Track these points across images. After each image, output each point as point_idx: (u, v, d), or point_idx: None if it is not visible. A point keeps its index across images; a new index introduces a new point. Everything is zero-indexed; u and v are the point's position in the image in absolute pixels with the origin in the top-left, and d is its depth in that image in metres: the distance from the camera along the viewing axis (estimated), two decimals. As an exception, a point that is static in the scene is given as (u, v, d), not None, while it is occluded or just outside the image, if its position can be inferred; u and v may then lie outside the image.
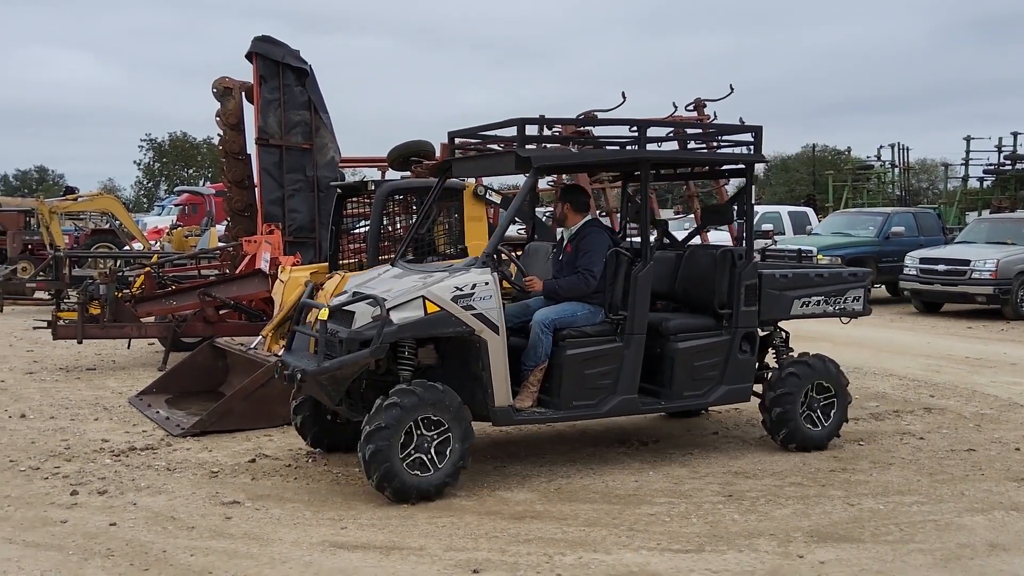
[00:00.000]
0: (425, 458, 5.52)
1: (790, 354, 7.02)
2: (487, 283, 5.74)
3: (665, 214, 13.30)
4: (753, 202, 6.90)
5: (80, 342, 10.21)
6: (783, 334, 7.11)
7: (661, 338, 6.39)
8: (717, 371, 6.50)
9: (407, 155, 10.51)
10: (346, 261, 9.05)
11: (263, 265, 10.38)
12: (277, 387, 7.41)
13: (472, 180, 10.02)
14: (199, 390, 8.55)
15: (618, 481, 6.00)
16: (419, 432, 5.50)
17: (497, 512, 5.42)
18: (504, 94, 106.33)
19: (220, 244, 15.68)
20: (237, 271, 11.06)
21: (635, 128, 6.50)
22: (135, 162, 74.98)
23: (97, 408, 8.25)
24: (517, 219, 8.44)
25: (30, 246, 22.14)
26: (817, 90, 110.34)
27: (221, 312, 10.32)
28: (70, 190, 30.22)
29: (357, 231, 10.02)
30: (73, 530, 5.08)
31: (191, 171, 71.19)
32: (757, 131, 6.76)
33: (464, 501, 5.62)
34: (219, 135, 12.13)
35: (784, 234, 20.07)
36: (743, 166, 6.96)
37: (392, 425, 5.39)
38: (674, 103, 11.41)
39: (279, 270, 9.48)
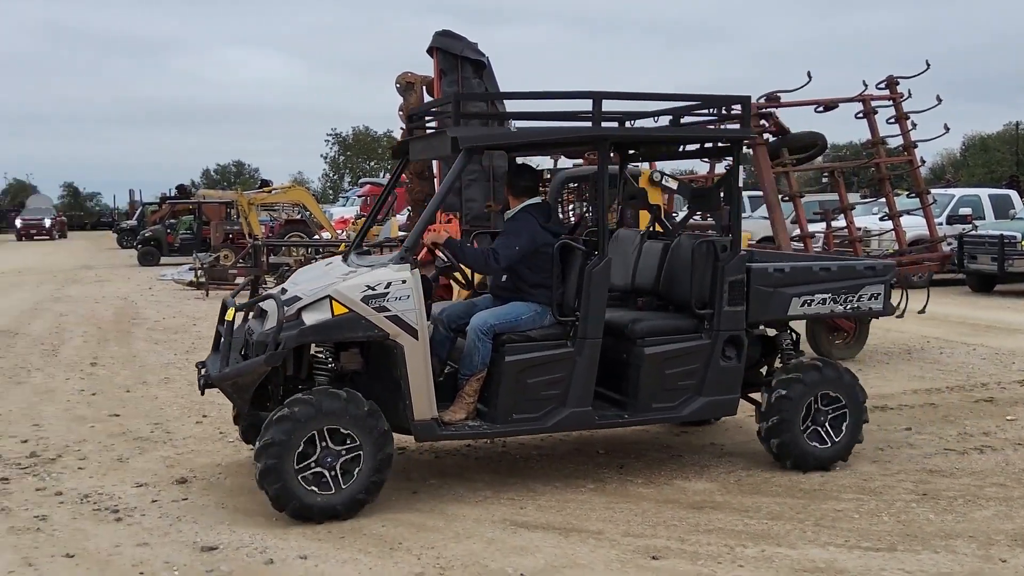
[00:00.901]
0: (328, 475, 4.96)
1: (799, 359, 6.09)
2: (404, 281, 5.10)
3: (852, 198, 12.63)
4: (741, 184, 5.88)
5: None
6: (793, 336, 6.25)
7: (627, 342, 5.72)
8: (694, 380, 5.70)
9: (582, 143, 10.56)
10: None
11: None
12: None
13: (646, 165, 9.96)
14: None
15: (802, 475, 5.81)
16: (324, 445, 4.95)
17: (675, 500, 5.39)
18: (676, 78, 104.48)
19: (400, 233, 16.32)
20: (420, 258, 11.45)
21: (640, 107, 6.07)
22: (322, 156, 79.27)
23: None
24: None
25: (231, 235, 23.87)
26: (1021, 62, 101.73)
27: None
28: (265, 183, 32.29)
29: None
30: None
31: (372, 163, 74.27)
32: (744, 102, 5.90)
33: (642, 488, 5.61)
34: (401, 128, 12.60)
35: (984, 219, 18.68)
36: (728, 144, 6.08)
37: (282, 441, 4.85)
38: (864, 81, 10.90)
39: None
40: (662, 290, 6.11)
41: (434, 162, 12.08)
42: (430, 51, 11.46)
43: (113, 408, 7.83)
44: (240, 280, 17.67)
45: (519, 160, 6.53)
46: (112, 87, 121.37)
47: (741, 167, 5.90)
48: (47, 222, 45.83)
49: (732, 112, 6.22)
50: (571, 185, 9.20)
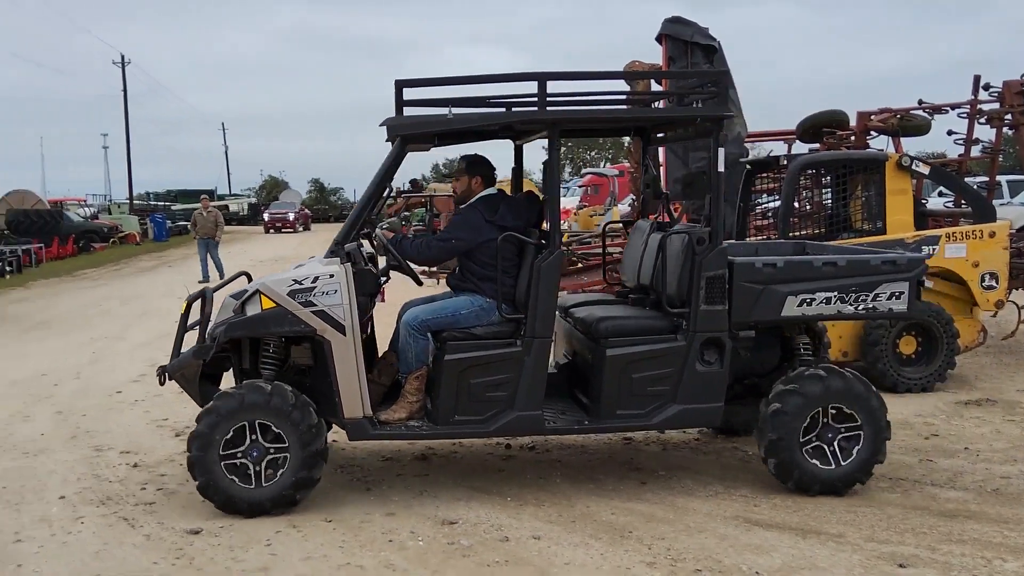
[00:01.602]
0: (252, 469, 4.94)
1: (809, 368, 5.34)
2: (332, 276, 5.03)
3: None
4: (722, 169, 5.25)
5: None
6: (807, 337, 5.60)
7: (593, 342, 5.36)
8: (667, 386, 5.22)
9: (819, 126, 10.06)
10: (751, 240, 8.94)
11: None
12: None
13: (893, 149, 9.34)
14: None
15: (1073, 488, 5.27)
16: (252, 439, 4.94)
17: (924, 508, 5.05)
18: (927, 52, 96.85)
19: (621, 221, 16.31)
20: (644, 248, 11.41)
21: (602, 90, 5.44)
22: (543, 147, 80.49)
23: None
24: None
25: (460, 226, 24.87)
26: None
27: (629, 288, 10.76)
28: (492, 175, 33.31)
29: (761, 207, 9.86)
30: (508, 478, 5.64)
31: (593, 153, 74.72)
32: (717, 78, 5.41)
33: (887, 493, 5.30)
34: (628, 117, 12.56)
35: None
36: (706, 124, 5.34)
37: (206, 433, 4.89)
38: None
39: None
40: (655, 287, 5.61)
41: (661, 149, 11.99)
42: (659, 38, 11.35)
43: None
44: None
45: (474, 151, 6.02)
46: (355, 88, 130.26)
47: (720, 150, 5.20)
48: (291, 215, 48.23)
49: (709, 90, 5.58)
50: (809, 172, 8.79)
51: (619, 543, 4.60)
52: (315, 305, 5.01)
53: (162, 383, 5.40)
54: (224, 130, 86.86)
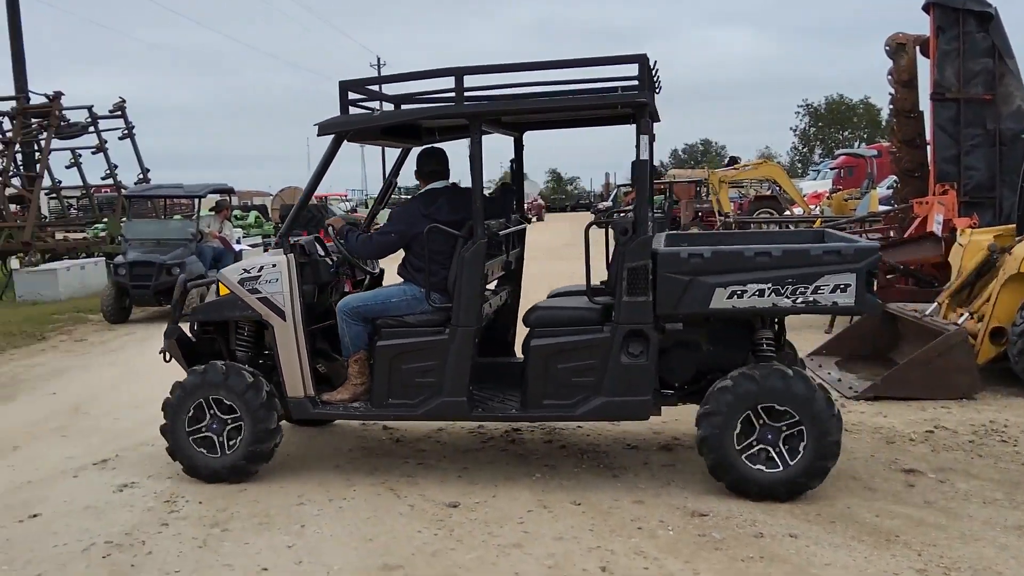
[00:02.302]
0: (216, 440, 5.48)
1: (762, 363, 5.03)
2: (274, 265, 5.45)
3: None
4: (646, 156, 5.05)
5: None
6: (770, 332, 5.22)
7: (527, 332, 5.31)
8: (592, 377, 5.13)
9: None
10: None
11: (935, 228, 9.83)
12: (957, 358, 7.02)
13: None
14: (867, 355, 8.49)
15: None
16: (212, 413, 5.47)
17: None
18: None
19: (882, 207, 15.29)
20: (906, 235, 10.65)
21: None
22: (791, 128, 77.12)
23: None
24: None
25: (700, 213, 24.43)
26: None
27: (888, 277, 10.08)
28: (733, 160, 32.40)
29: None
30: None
31: (846, 133, 70.61)
32: (640, 61, 5.01)
33: None
34: (890, 94, 11.77)
35: None
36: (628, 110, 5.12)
37: (174, 404, 5.50)
38: None
39: (956, 233, 8.88)
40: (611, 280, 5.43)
41: (927, 126, 11.12)
42: (926, 7, 10.52)
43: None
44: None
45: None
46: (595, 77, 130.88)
47: (644, 138, 5.05)
48: (525, 206, 49.68)
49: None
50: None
51: (885, 547, 4.33)
52: (260, 292, 5.48)
53: (166, 360, 5.96)
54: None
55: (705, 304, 4.98)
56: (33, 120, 20.29)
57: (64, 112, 19.79)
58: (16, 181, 20.41)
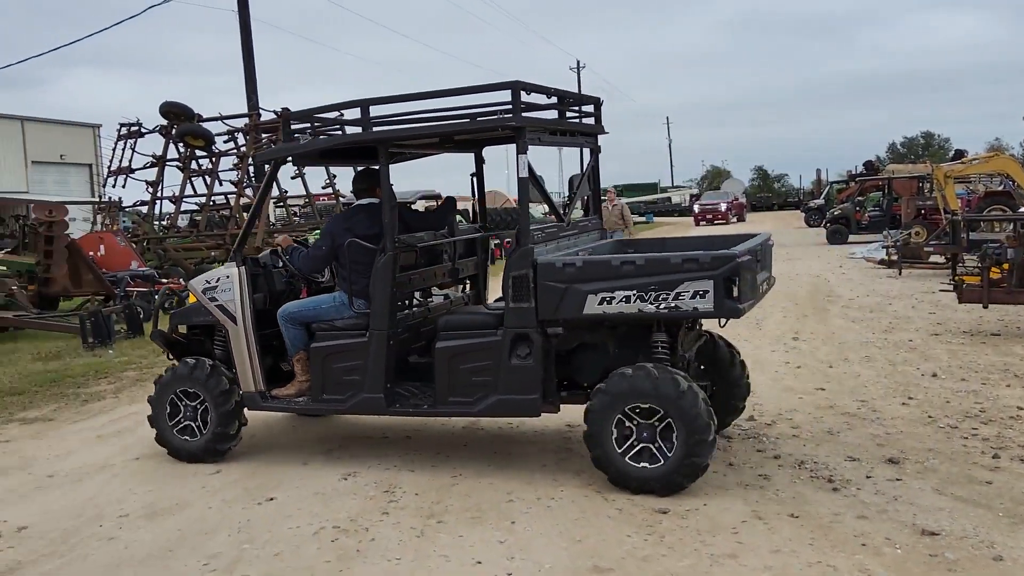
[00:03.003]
0: (192, 425, 6.27)
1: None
2: (228, 276, 6.22)
3: None
4: (524, 174, 5.52)
5: (985, 306, 10.09)
6: (662, 335, 5.48)
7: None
8: (489, 377, 5.57)
9: None
10: None
11: None
12: None
13: None
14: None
15: None
16: (184, 403, 6.27)
17: None
18: None
19: None
20: None
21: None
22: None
23: (1007, 374, 8.04)
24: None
25: (923, 211, 22.80)
26: None
27: None
28: (959, 153, 30.06)
29: None
30: (999, 492, 5.05)
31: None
32: (512, 88, 5.43)
33: None
34: None
35: None
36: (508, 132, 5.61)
37: (154, 399, 6.34)
38: None
39: None
40: None
41: None
42: None
43: (818, 382, 8.11)
44: (935, 258, 16.76)
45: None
46: (801, 68, 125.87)
47: (523, 157, 5.50)
48: (723, 206, 46.06)
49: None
50: None
51: None
52: (217, 300, 6.26)
53: (169, 358, 6.71)
54: (668, 124, 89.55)
55: (580, 310, 5.32)
56: (263, 135, 22.03)
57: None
58: (249, 192, 22.22)
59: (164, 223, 24.05)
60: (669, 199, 63.50)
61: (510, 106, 5.47)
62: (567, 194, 7.30)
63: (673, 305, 5.16)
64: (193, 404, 6.27)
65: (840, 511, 4.87)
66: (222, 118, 22.52)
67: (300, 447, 6.64)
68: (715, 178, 74.96)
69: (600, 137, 6.70)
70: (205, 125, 22.64)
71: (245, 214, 22.41)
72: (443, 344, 5.70)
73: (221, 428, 6.20)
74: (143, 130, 23.64)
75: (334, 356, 5.96)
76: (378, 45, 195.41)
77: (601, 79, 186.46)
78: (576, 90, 55.50)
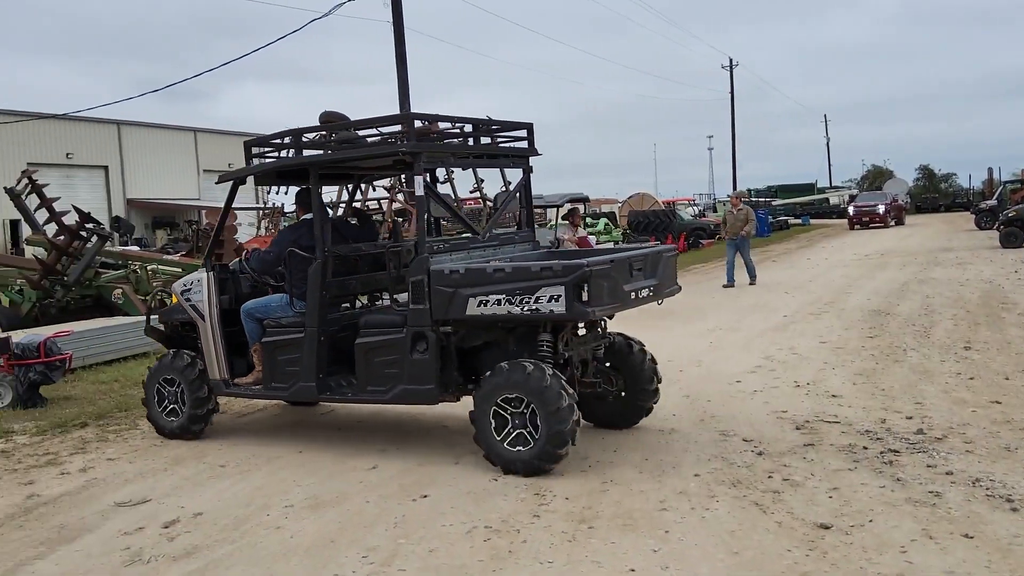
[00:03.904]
0: (175, 407, 7.24)
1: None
2: (199, 280, 7.18)
3: None
4: (421, 193, 6.31)
5: None
6: (547, 336, 6.09)
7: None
8: (397, 369, 6.30)
9: None
10: None
11: None
12: None
13: None
14: None
15: None
16: (169, 389, 7.24)
17: None
18: None
19: None
20: None
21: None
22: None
23: None
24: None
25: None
26: None
27: None
28: None
29: None
30: None
31: None
32: (403, 120, 6.64)
33: None
34: None
35: None
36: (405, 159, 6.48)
37: (147, 384, 7.37)
38: None
39: None
40: None
41: None
42: None
43: (993, 395, 7.59)
44: None
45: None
46: (971, 62, 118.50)
47: (419, 178, 6.28)
48: (880, 208, 43.00)
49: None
50: None
51: None
52: (190, 300, 7.18)
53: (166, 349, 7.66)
54: (826, 121, 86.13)
55: (463, 311, 5.99)
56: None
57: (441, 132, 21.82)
58: (400, 196, 22.88)
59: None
60: (827, 200, 61.03)
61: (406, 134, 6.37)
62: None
63: (534, 308, 5.81)
64: (173, 389, 7.26)
65: (1021, 533, 4.53)
66: (450, 119, 23.25)
67: (451, 447, 6.77)
68: (876, 178, 71.53)
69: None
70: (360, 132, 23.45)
71: (399, 219, 23.12)
72: (362, 340, 6.48)
73: (194, 410, 7.20)
74: (305, 138, 24.75)
75: (279, 349, 6.83)
76: (527, 50, 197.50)
77: (755, 76, 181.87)
78: (729, 89, 54.35)
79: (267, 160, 7.30)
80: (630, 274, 6.14)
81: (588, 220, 32.15)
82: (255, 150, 7.23)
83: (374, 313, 6.82)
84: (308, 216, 7.04)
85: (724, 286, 17.89)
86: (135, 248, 25.03)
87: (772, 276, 20.32)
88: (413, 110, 23.77)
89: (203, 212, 41.65)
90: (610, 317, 6.47)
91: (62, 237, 14.33)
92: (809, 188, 62.80)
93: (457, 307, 6.01)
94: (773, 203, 52.43)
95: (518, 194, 7.52)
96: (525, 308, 5.81)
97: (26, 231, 19.14)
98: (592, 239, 18.32)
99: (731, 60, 54.49)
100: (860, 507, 5.02)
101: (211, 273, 7.20)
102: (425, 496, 5.64)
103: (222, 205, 7.85)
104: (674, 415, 7.49)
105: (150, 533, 5.22)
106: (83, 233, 14.12)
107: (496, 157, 7.50)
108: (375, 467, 6.31)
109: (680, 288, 6.94)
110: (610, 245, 23.51)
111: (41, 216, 15.03)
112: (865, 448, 6.18)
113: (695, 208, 46.95)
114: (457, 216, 7.50)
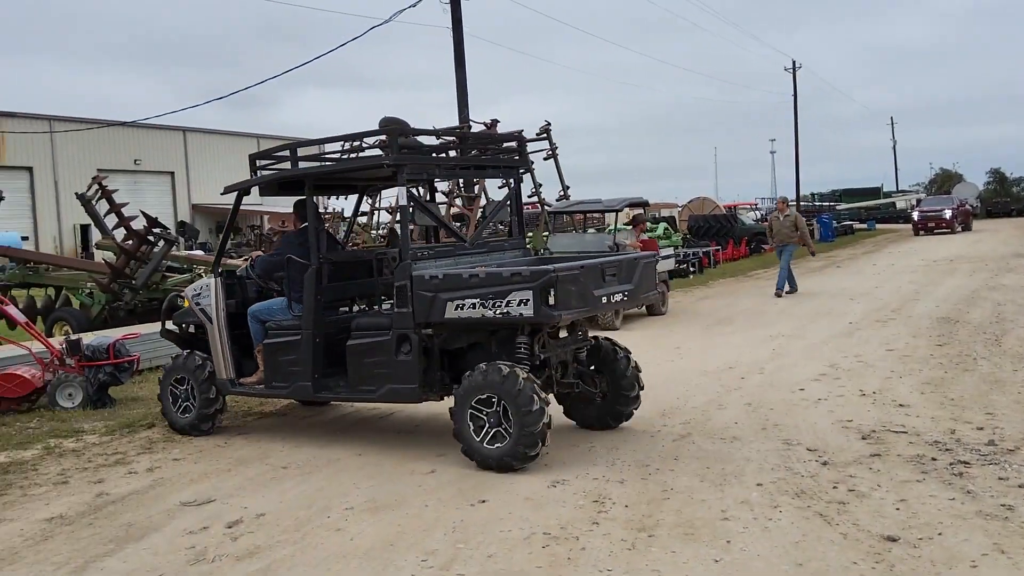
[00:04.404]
0: (188, 405, 7.60)
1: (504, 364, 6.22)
2: (208, 286, 7.61)
3: None
4: (404, 203, 6.68)
5: None
6: (524, 339, 6.38)
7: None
8: (385, 369, 6.58)
9: None
10: None
11: None
12: None
13: None
14: None
15: None
16: (181, 387, 7.61)
17: None
18: None
19: None
20: None
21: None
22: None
23: None
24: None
25: None
26: None
27: None
28: None
29: None
30: None
31: None
32: (388, 134, 6.80)
33: None
34: None
35: None
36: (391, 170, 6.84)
37: (163, 382, 7.73)
38: None
39: None
40: None
41: None
42: None
43: (1070, 406, 7.32)
44: None
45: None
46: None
47: (403, 189, 6.71)
48: (947, 213, 41.65)
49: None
50: None
51: None
52: (200, 304, 7.58)
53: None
54: (892, 124, 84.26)
55: (442, 314, 6.29)
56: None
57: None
58: (459, 201, 22.99)
59: (381, 232, 25.38)
60: (893, 204, 59.68)
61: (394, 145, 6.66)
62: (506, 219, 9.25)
63: (505, 311, 6.09)
64: (184, 388, 7.65)
65: (1098, 553, 4.36)
66: (435, 132, 23.47)
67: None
68: (944, 182, 69.74)
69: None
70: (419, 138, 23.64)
71: (458, 223, 23.24)
72: (353, 342, 6.83)
73: (203, 409, 7.60)
74: (364, 144, 25.05)
75: (279, 349, 7.20)
76: (586, 53, 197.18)
77: (818, 78, 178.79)
78: (792, 92, 53.37)
79: (267, 172, 7.69)
80: (602, 279, 6.43)
81: (648, 224, 31.87)
82: (259, 162, 7.64)
83: (365, 316, 7.15)
84: (304, 226, 7.47)
85: (787, 293, 17.58)
86: (200, 252, 25.63)
87: (837, 282, 19.93)
88: (467, 116, 23.97)
89: (265, 217, 42.47)
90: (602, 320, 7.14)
91: (130, 242, 14.69)
92: (875, 192, 61.50)
93: (437, 311, 6.34)
94: (838, 207, 51.38)
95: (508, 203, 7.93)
96: (497, 312, 6.13)
97: (96, 236, 19.66)
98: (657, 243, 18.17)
99: (794, 62, 53.56)
100: (928, 520, 4.88)
101: (219, 279, 7.65)
102: (483, 501, 5.64)
103: (286, 210, 8.24)
104: (736, 423, 7.38)
105: (214, 533, 5.31)
106: (150, 238, 14.46)
107: (484, 168, 7.98)
108: (433, 471, 6.34)
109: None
110: (670, 251, 23.39)
111: (110, 221, 15.41)
112: (934, 459, 6.01)
113: (757, 212, 46.23)
114: (443, 224, 7.97)
